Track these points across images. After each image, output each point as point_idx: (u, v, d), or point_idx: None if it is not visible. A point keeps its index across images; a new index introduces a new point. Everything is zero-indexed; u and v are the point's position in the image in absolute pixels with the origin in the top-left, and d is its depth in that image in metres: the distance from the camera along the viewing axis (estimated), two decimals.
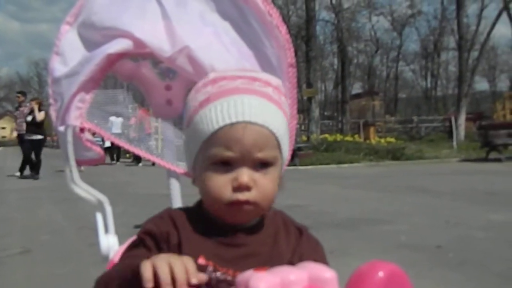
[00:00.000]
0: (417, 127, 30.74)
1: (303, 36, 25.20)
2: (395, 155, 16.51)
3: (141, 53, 1.44)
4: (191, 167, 1.04)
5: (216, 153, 0.94)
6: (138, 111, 1.57)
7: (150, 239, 0.96)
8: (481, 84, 55.85)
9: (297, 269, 0.69)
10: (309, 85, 21.36)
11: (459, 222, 6.00)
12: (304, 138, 20.88)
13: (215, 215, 0.98)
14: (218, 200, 0.94)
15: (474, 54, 27.36)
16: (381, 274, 0.71)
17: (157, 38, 1.35)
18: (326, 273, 0.69)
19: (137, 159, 17.91)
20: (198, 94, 1.02)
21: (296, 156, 14.68)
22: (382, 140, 20.24)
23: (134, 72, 1.49)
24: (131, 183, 11.82)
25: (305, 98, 22.60)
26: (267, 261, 0.91)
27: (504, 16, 27.10)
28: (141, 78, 1.49)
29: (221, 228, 0.97)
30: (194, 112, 1.00)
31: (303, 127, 24.89)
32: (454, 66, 42.22)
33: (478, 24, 30.15)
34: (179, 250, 0.93)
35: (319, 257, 1.00)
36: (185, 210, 1.04)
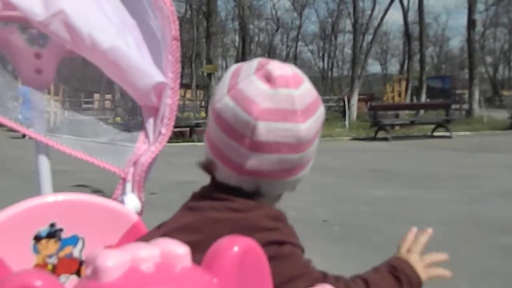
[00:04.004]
0: None
1: (204, 12, 24.85)
2: None
3: (9, 16, 1.33)
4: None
5: None
6: None
7: None
8: (374, 67, 58.85)
9: (149, 245, 0.68)
10: (209, 61, 21.23)
11: (345, 198, 6.32)
12: (203, 114, 20.78)
13: None
14: None
15: (368, 38, 28.64)
16: (236, 249, 0.71)
17: (28, 0, 1.26)
18: (179, 249, 0.67)
19: None
20: None
21: (194, 132, 14.57)
22: None
23: (0, 37, 1.37)
24: (16, 157, 11.13)
25: (205, 74, 22.45)
26: None
27: (397, 2, 28.59)
28: (7, 44, 1.38)
29: None
30: None
31: (203, 104, 24.77)
32: (349, 48, 43.92)
33: (372, 9, 31.56)
34: None
35: None
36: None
